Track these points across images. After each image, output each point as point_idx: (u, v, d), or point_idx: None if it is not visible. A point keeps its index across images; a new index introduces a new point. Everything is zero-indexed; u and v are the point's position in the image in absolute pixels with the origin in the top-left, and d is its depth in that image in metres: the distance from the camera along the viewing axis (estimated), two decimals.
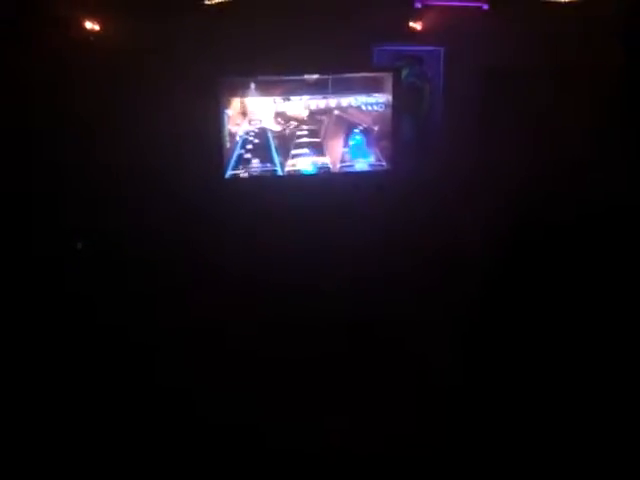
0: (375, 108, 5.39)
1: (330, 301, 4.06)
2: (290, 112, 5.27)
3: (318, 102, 5.30)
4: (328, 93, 5.29)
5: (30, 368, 3.33)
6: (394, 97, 5.35)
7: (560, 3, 5.47)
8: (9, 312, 3.68)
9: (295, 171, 5.33)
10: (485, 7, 5.46)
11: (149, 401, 3.16)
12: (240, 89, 5.15)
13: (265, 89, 5.19)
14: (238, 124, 5.17)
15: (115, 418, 3.03)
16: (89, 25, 5.00)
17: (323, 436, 2.84)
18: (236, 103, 5.15)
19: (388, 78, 5.36)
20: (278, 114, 5.24)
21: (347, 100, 5.34)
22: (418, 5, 5.39)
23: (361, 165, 5.42)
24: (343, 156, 5.38)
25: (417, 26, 5.46)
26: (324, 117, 5.32)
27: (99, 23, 5.03)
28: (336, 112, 5.33)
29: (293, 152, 5.30)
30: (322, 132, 5.33)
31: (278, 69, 5.14)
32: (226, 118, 5.13)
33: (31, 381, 3.23)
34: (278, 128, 5.26)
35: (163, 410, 3.09)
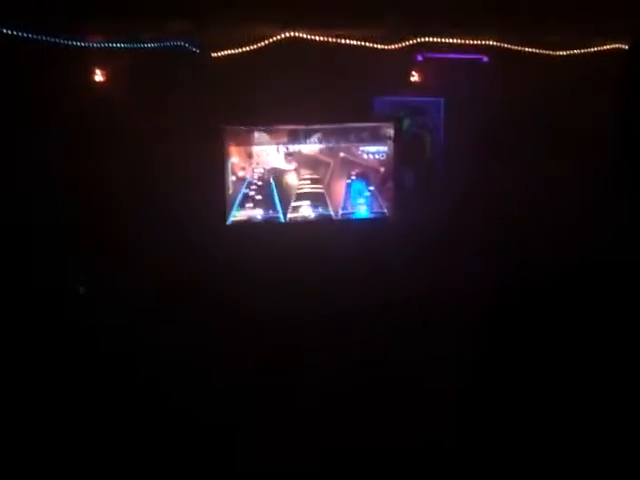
0: (377, 157, 5.48)
1: (330, 346, 4.06)
2: (293, 160, 5.36)
3: (321, 151, 5.39)
4: (331, 142, 5.39)
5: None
6: (395, 146, 5.45)
7: (559, 56, 5.57)
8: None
9: (297, 218, 5.38)
10: (485, 59, 5.56)
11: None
12: (244, 137, 5.26)
13: (268, 137, 5.29)
14: (241, 171, 5.25)
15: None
16: (100, 74, 5.09)
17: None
18: (240, 151, 5.25)
19: (389, 128, 5.47)
20: (281, 162, 5.33)
21: (350, 149, 5.43)
22: (420, 58, 5.50)
23: (363, 213, 5.48)
24: (345, 204, 5.45)
25: (418, 78, 5.56)
26: (326, 165, 5.41)
27: (109, 72, 5.14)
28: (338, 161, 5.42)
29: (295, 199, 5.37)
30: (324, 180, 5.41)
31: (281, 119, 5.25)
32: (229, 165, 5.22)
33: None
34: (281, 175, 5.34)
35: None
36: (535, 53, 5.55)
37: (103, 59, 5.10)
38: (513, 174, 5.18)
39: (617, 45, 5.35)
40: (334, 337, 4.09)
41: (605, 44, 5.37)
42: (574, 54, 5.57)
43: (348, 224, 5.42)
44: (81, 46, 4.96)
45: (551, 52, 5.54)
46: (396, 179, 5.49)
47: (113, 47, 5.06)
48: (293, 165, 5.36)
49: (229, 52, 5.22)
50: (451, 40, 5.41)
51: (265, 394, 3.60)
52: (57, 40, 4.84)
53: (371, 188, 5.48)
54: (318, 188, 5.40)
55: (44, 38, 4.78)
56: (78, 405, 3.38)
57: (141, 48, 5.10)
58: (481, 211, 5.10)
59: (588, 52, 5.50)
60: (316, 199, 5.41)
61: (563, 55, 5.54)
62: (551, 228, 4.80)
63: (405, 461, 2.86)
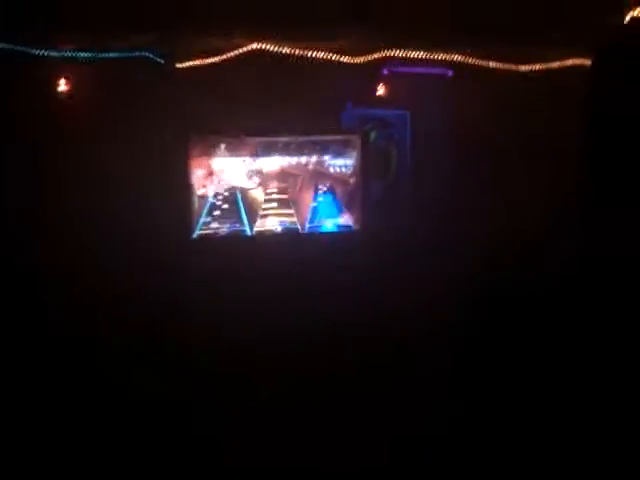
0: (343, 170, 5.47)
1: (298, 361, 4.04)
2: (259, 172, 5.32)
3: (287, 162, 5.37)
4: (297, 154, 5.38)
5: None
6: (362, 159, 5.45)
7: (523, 71, 5.64)
8: None
9: (264, 231, 5.34)
10: (450, 74, 5.61)
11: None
12: (209, 149, 5.21)
13: (234, 149, 5.26)
14: (207, 184, 5.20)
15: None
16: (60, 86, 5.02)
17: None
18: (205, 163, 5.20)
19: (356, 140, 5.48)
20: (247, 174, 5.29)
21: (315, 161, 5.42)
22: (385, 72, 5.53)
23: (329, 226, 5.46)
24: (311, 216, 5.42)
25: (384, 91, 5.58)
26: (293, 177, 5.39)
27: (73, 81, 5.06)
28: (304, 173, 5.40)
29: (262, 212, 5.33)
30: (290, 192, 5.39)
31: (247, 131, 5.22)
32: (195, 177, 5.16)
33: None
34: (247, 188, 5.30)
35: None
36: (499, 68, 5.61)
37: (66, 69, 5.03)
38: (480, 187, 5.22)
39: (581, 60, 5.44)
40: (300, 353, 4.07)
41: (569, 59, 5.45)
42: (538, 69, 5.64)
43: (315, 237, 5.40)
44: (44, 55, 4.88)
45: (515, 67, 5.61)
46: (363, 192, 5.48)
47: (77, 57, 4.99)
48: (259, 178, 5.33)
49: (194, 63, 5.18)
50: (416, 54, 5.45)
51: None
52: (20, 49, 4.76)
53: (338, 201, 5.46)
54: (285, 202, 5.37)
55: (6, 47, 4.70)
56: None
57: (106, 58, 5.03)
58: (448, 224, 5.12)
59: (552, 67, 5.58)
60: (283, 208, 5.38)
61: (527, 70, 5.61)
62: (520, 241, 4.83)
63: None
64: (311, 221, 5.42)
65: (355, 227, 5.48)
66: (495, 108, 5.19)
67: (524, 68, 5.61)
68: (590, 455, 0.76)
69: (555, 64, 5.56)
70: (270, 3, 4.27)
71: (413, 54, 5.44)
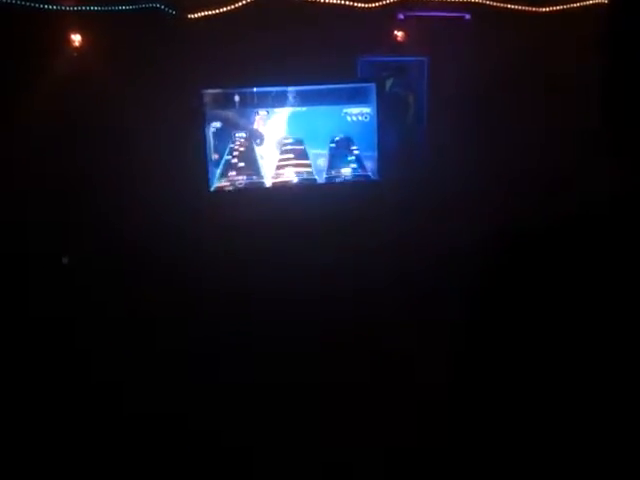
0: (360, 119, 5.42)
1: (319, 313, 4.06)
2: (275, 123, 5.29)
3: (303, 113, 5.32)
4: (312, 104, 5.32)
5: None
6: (378, 107, 5.38)
7: (542, 12, 5.50)
8: None
9: (281, 182, 5.33)
10: (467, 17, 5.48)
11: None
12: (224, 101, 5.17)
13: (249, 101, 5.21)
14: (223, 136, 5.19)
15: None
16: (76, 38, 4.99)
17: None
18: (220, 115, 5.17)
19: (372, 89, 5.40)
20: (262, 125, 5.26)
21: (332, 110, 5.37)
22: (401, 16, 5.41)
23: (347, 175, 5.43)
24: (329, 166, 5.39)
25: (400, 37, 5.47)
26: (309, 128, 5.34)
27: (84, 36, 5.03)
28: (320, 122, 5.35)
29: (279, 163, 5.31)
30: (307, 143, 5.35)
31: (262, 81, 5.17)
32: (210, 131, 5.14)
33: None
34: (263, 140, 5.28)
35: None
36: (517, 9, 5.48)
37: (78, 23, 4.99)
38: (498, 132, 5.15)
39: (600, 0, 5.29)
40: (320, 304, 4.08)
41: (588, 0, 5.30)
42: (556, 10, 5.50)
43: (332, 187, 5.38)
44: (55, 9, 4.85)
45: (533, 8, 5.46)
46: (380, 140, 5.43)
47: (87, 10, 4.95)
48: (276, 128, 5.29)
49: (206, 13, 5.10)
50: None
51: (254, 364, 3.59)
52: (31, 4, 4.73)
53: (355, 150, 5.42)
54: (301, 152, 5.34)
55: (17, 2, 4.67)
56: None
57: (116, 11, 4.98)
58: (465, 171, 5.07)
59: (570, 7, 5.43)
60: (300, 159, 5.35)
61: (546, 11, 5.47)
62: (538, 185, 4.79)
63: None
64: (328, 171, 5.39)
65: (372, 176, 5.44)
66: (514, 51, 5.08)
67: (543, 9, 5.46)
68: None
69: (575, 4, 5.41)
70: None
71: None
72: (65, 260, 4.68)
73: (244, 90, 5.18)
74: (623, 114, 0.85)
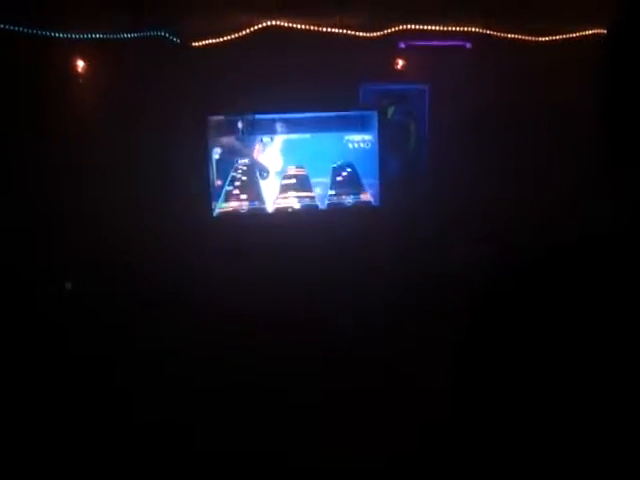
0: (362, 145, 5.46)
1: (318, 334, 4.08)
2: (278, 150, 5.33)
3: (305, 140, 5.36)
4: (315, 131, 5.37)
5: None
6: (380, 135, 5.43)
7: (542, 42, 5.57)
8: None
9: (283, 208, 5.36)
10: (468, 46, 5.55)
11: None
12: (227, 128, 5.22)
13: (252, 128, 5.26)
14: (226, 162, 5.22)
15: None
16: (77, 68, 5.05)
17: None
18: (223, 142, 5.21)
19: (374, 116, 5.45)
20: (266, 152, 5.30)
21: (334, 137, 5.41)
22: (402, 45, 5.48)
23: (349, 202, 5.46)
24: (330, 193, 5.42)
25: (402, 65, 5.54)
26: (311, 154, 5.38)
27: (89, 64, 5.09)
28: (322, 149, 5.39)
29: (280, 189, 5.34)
30: (309, 169, 5.39)
31: (265, 108, 5.22)
32: (213, 157, 5.18)
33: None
34: (265, 166, 5.31)
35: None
36: (517, 39, 5.55)
37: (82, 50, 5.05)
38: (498, 159, 5.19)
39: (601, 30, 5.36)
40: (322, 328, 4.10)
41: (588, 29, 5.36)
42: (556, 39, 5.57)
43: (334, 213, 5.40)
44: (60, 37, 4.90)
45: (534, 38, 5.53)
46: (381, 167, 5.47)
47: (92, 38, 5.01)
48: (278, 155, 5.33)
49: (210, 41, 5.17)
50: (433, 27, 5.39)
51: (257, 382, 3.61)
52: (36, 32, 4.78)
53: (356, 177, 5.45)
54: (303, 179, 5.38)
55: (21, 30, 4.72)
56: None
57: (121, 39, 5.04)
58: (467, 197, 5.10)
59: (571, 37, 5.50)
60: (302, 185, 5.38)
61: (546, 41, 5.54)
62: (538, 214, 4.82)
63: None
64: (330, 197, 5.42)
65: (374, 203, 5.47)
66: (514, 80, 5.14)
67: (543, 39, 5.53)
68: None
69: (574, 34, 5.48)
70: None
71: (430, 27, 5.38)
72: (68, 286, 4.70)
73: (247, 117, 5.22)
74: (621, 142, 0.86)
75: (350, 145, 5.44)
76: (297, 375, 3.66)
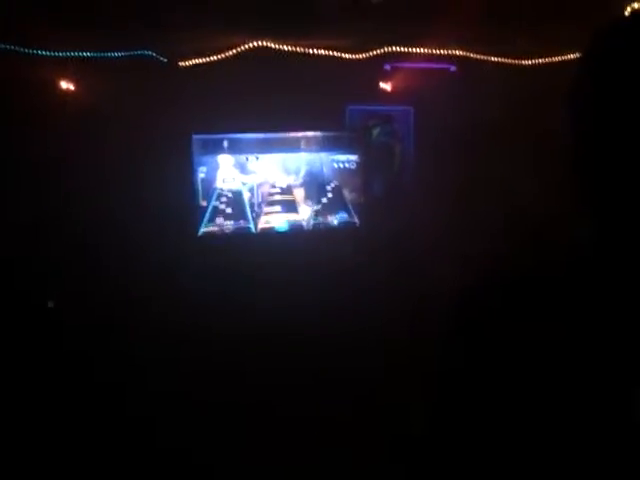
0: (347, 166, 5.49)
1: (303, 358, 4.06)
2: (263, 169, 5.34)
3: (290, 159, 5.39)
4: (300, 151, 5.40)
5: None
6: (365, 155, 5.47)
7: (525, 65, 5.65)
8: None
9: (268, 228, 5.36)
10: (453, 68, 5.62)
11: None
12: (213, 147, 5.23)
13: (238, 147, 5.27)
14: (211, 182, 5.22)
15: None
16: (64, 85, 5.05)
17: None
18: (209, 160, 5.22)
19: (359, 137, 5.49)
20: (251, 171, 5.31)
21: (319, 157, 5.44)
22: (387, 67, 5.54)
23: (333, 222, 5.47)
24: (315, 213, 5.44)
25: (387, 87, 5.60)
26: (296, 174, 5.40)
27: (75, 82, 5.09)
28: (308, 169, 5.41)
29: (266, 209, 5.35)
30: (294, 189, 5.40)
31: (251, 127, 5.24)
32: (199, 176, 5.18)
33: None
34: (251, 185, 5.32)
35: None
36: (501, 62, 5.62)
37: (69, 68, 5.06)
38: (484, 182, 5.24)
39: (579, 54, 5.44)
40: (307, 347, 4.09)
41: (572, 53, 5.45)
42: (539, 63, 5.65)
43: (319, 234, 5.41)
44: (47, 55, 4.91)
45: (517, 61, 5.61)
46: (366, 188, 5.50)
47: (79, 56, 5.02)
48: (263, 174, 5.34)
49: (197, 61, 5.20)
50: (418, 50, 5.46)
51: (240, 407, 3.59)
52: (22, 49, 4.79)
53: (341, 197, 5.48)
54: (288, 195, 5.39)
55: (9, 47, 4.73)
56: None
57: (108, 57, 5.06)
58: (450, 218, 5.13)
59: (553, 61, 5.59)
60: (287, 205, 5.39)
61: (529, 64, 5.62)
62: (520, 235, 4.85)
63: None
64: (315, 217, 5.43)
65: (358, 222, 5.48)
66: (498, 102, 5.20)
67: (526, 62, 5.61)
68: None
69: (557, 58, 5.56)
70: (271, 1, 4.26)
71: (415, 49, 5.45)
72: (50, 304, 4.65)
73: (233, 136, 5.24)
74: (591, 167, 0.87)
75: (335, 165, 5.47)
76: (282, 393, 3.65)
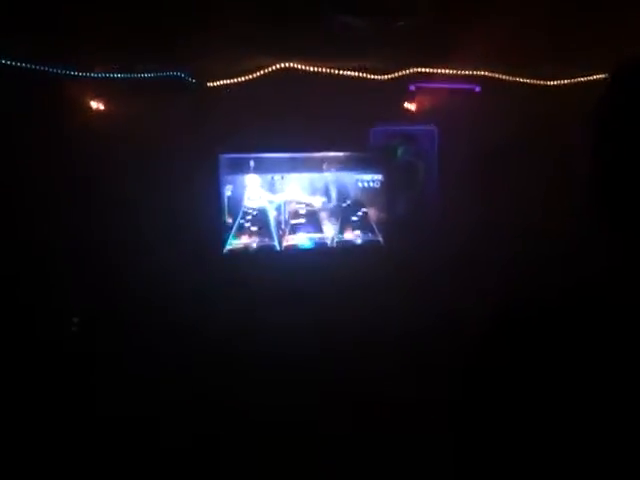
0: (371, 185, 5.52)
1: (328, 373, 4.07)
2: (288, 188, 5.39)
3: (315, 179, 5.43)
4: (325, 170, 5.44)
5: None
6: (389, 175, 5.50)
7: (550, 86, 5.66)
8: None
9: (293, 246, 5.40)
10: (477, 89, 5.64)
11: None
12: (239, 166, 5.30)
13: (264, 166, 5.33)
14: (237, 200, 5.29)
15: None
16: (93, 105, 5.16)
17: None
18: (235, 179, 5.28)
19: (384, 156, 5.53)
20: (276, 190, 5.37)
21: (344, 177, 5.48)
22: (412, 88, 5.58)
23: (357, 240, 5.50)
24: (340, 231, 5.47)
25: (412, 107, 5.63)
26: (321, 193, 5.45)
27: (105, 102, 5.20)
28: (332, 188, 5.46)
29: (291, 228, 5.39)
30: (319, 208, 5.44)
31: (277, 147, 5.30)
32: (225, 194, 5.25)
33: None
34: (277, 204, 5.37)
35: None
36: (526, 83, 5.64)
37: (99, 89, 5.16)
38: (507, 203, 5.23)
39: (605, 75, 5.44)
40: (330, 366, 4.10)
41: (595, 74, 5.45)
42: (564, 83, 5.65)
43: (343, 252, 5.44)
44: (78, 75, 5.02)
45: (542, 82, 5.62)
46: (390, 207, 5.52)
47: (109, 77, 5.13)
48: (288, 193, 5.40)
49: (225, 82, 5.29)
50: (443, 70, 5.49)
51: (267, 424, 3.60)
52: (54, 69, 4.89)
53: (366, 216, 5.51)
54: (313, 217, 5.43)
55: (40, 67, 4.83)
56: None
57: (138, 78, 5.16)
58: (472, 237, 5.12)
59: (578, 82, 5.59)
60: (312, 223, 5.44)
61: (553, 85, 5.62)
62: (545, 255, 4.82)
63: None
64: (339, 235, 5.46)
65: (382, 241, 5.51)
66: (523, 123, 5.19)
67: (551, 83, 5.62)
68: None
69: (582, 79, 5.56)
70: (300, 23, 4.32)
71: (440, 70, 5.48)
72: (76, 320, 4.72)
73: (259, 155, 5.31)
74: (618, 189, 0.87)
75: (360, 184, 5.51)
76: (305, 409, 3.66)
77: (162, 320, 4.43)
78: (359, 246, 5.51)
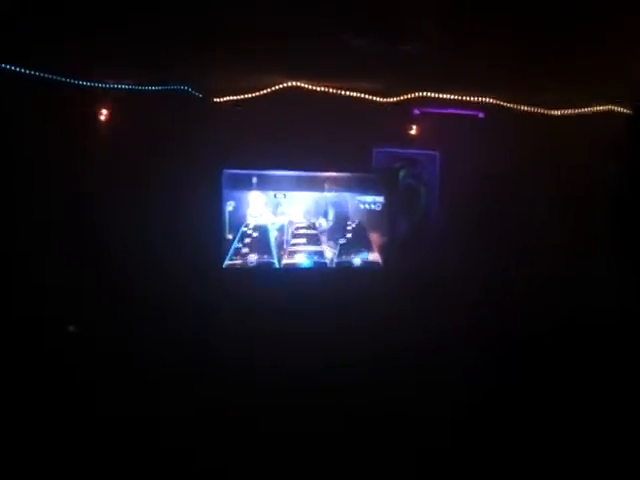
0: (372, 207, 5.53)
1: (325, 391, 4.05)
2: (290, 207, 5.40)
3: (317, 199, 5.45)
4: (327, 190, 5.46)
5: None
6: (390, 197, 5.52)
7: (554, 115, 5.70)
8: None
9: (292, 264, 5.40)
10: (481, 115, 5.68)
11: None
12: (242, 182, 5.31)
13: (266, 183, 5.35)
14: (238, 216, 5.29)
15: None
16: (99, 118, 5.19)
17: None
18: (237, 196, 5.29)
19: (385, 179, 5.55)
20: (277, 208, 5.38)
21: (345, 198, 5.49)
22: (416, 112, 5.62)
23: (357, 261, 5.50)
24: (340, 252, 5.47)
25: (415, 131, 5.67)
26: (322, 213, 5.46)
27: (111, 113, 5.22)
28: (334, 209, 5.47)
29: (291, 246, 5.40)
30: (319, 227, 5.45)
31: (281, 165, 5.32)
32: (227, 209, 5.26)
33: None
34: (277, 222, 5.38)
35: None
36: (531, 112, 5.68)
37: (106, 100, 5.19)
38: (508, 230, 5.24)
39: (612, 107, 5.49)
40: (328, 384, 4.07)
41: (600, 105, 5.49)
42: (569, 114, 5.69)
43: (342, 272, 5.44)
44: (84, 86, 5.05)
45: (546, 111, 5.66)
46: (391, 229, 5.53)
47: (117, 88, 5.16)
48: (290, 212, 5.41)
49: (231, 98, 5.32)
50: (448, 96, 5.53)
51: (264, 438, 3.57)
52: (61, 79, 4.92)
53: (366, 237, 5.52)
54: (313, 237, 5.44)
55: (48, 76, 4.86)
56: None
57: (145, 91, 5.19)
58: (474, 263, 5.13)
59: (582, 113, 5.63)
60: (312, 243, 5.44)
61: (558, 115, 5.66)
62: (545, 282, 4.83)
63: None
64: (339, 256, 5.47)
65: (382, 263, 5.51)
66: (525, 151, 5.23)
67: (555, 112, 5.66)
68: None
69: (586, 109, 5.60)
70: (307, 45, 4.36)
71: (444, 96, 5.52)
72: (72, 328, 4.70)
73: (262, 172, 5.32)
74: (634, 220, 0.87)
75: (361, 206, 5.52)
76: (303, 429, 3.63)
77: (162, 331, 4.41)
78: (359, 267, 5.50)
